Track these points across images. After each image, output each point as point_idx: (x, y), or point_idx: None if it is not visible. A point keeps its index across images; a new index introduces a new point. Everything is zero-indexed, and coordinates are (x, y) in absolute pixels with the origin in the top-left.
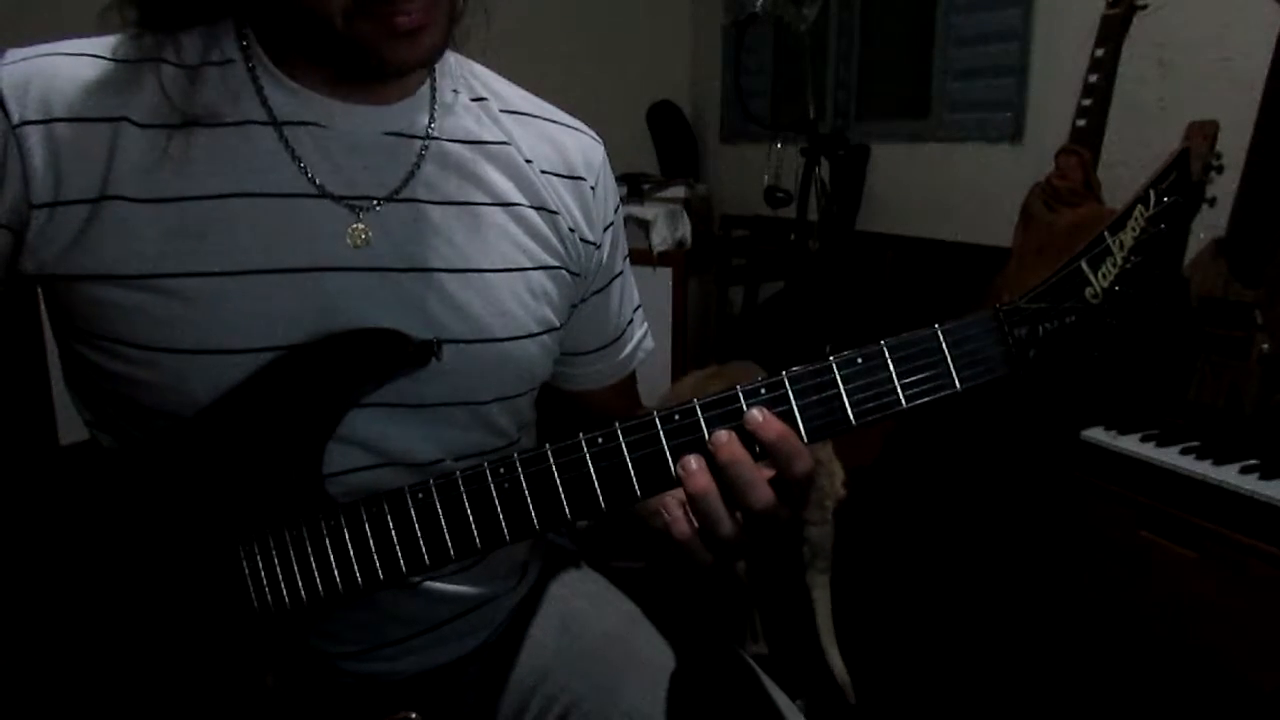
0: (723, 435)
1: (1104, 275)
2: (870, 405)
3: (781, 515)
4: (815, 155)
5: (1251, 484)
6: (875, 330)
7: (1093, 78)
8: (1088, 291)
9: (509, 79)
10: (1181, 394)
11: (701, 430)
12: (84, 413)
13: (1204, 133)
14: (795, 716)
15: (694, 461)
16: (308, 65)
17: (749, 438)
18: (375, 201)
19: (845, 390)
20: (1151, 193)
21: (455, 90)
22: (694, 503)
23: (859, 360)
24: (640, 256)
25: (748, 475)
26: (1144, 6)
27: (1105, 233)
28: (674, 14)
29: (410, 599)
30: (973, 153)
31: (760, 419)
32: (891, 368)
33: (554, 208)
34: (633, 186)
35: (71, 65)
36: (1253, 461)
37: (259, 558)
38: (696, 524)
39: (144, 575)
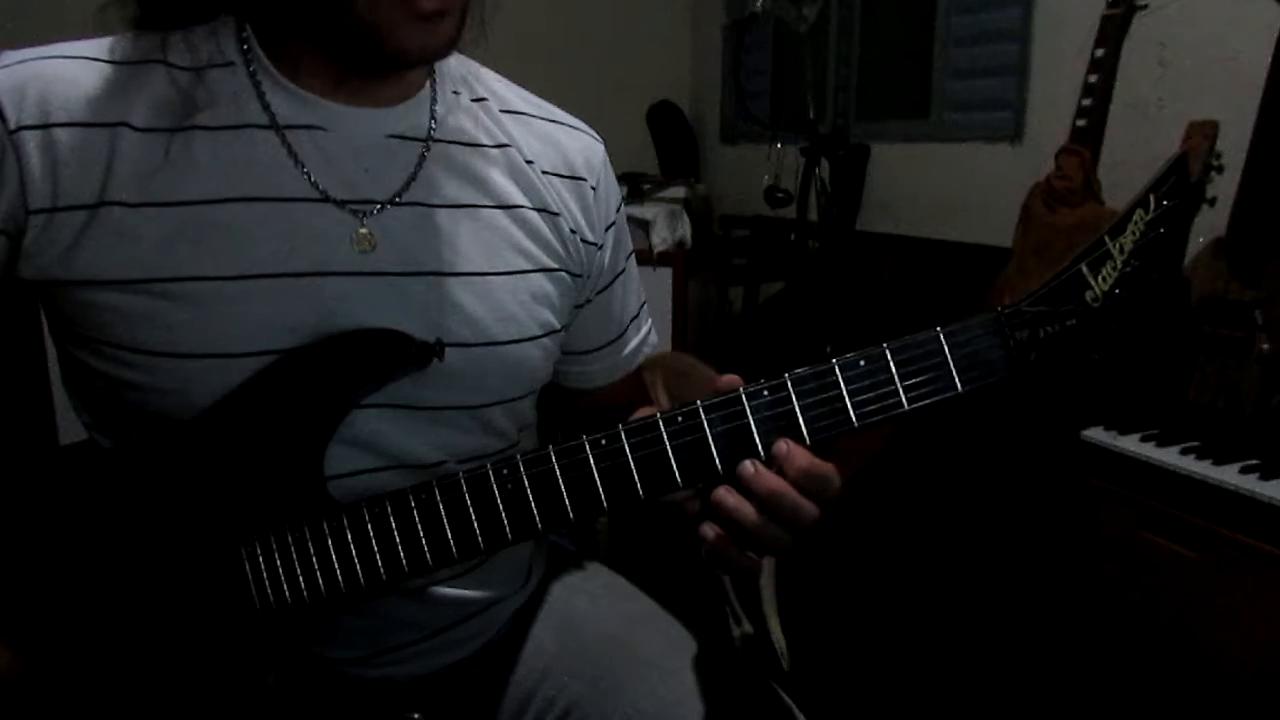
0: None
1: (1104, 279)
2: (873, 406)
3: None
4: (815, 155)
5: (1251, 484)
6: (875, 330)
7: (1093, 78)
8: (1088, 295)
9: (509, 79)
10: (1181, 394)
11: (704, 431)
12: (83, 415)
13: (1204, 133)
14: (795, 717)
15: (751, 466)
16: (308, 66)
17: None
18: (378, 205)
19: (848, 391)
20: (1151, 197)
21: (456, 91)
22: (771, 500)
23: (861, 362)
24: (640, 256)
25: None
26: (1144, 6)
27: (1105, 236)
28: (674, 14)
29: (414, 604)
30: (973, 153)
31: (786, 450)
32: (894, 369)
33: (555, 209)
34: (633, 186)
35: (70, 68)
36: (1253, 461)
37: (260, 558)
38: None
39: (146, 576)
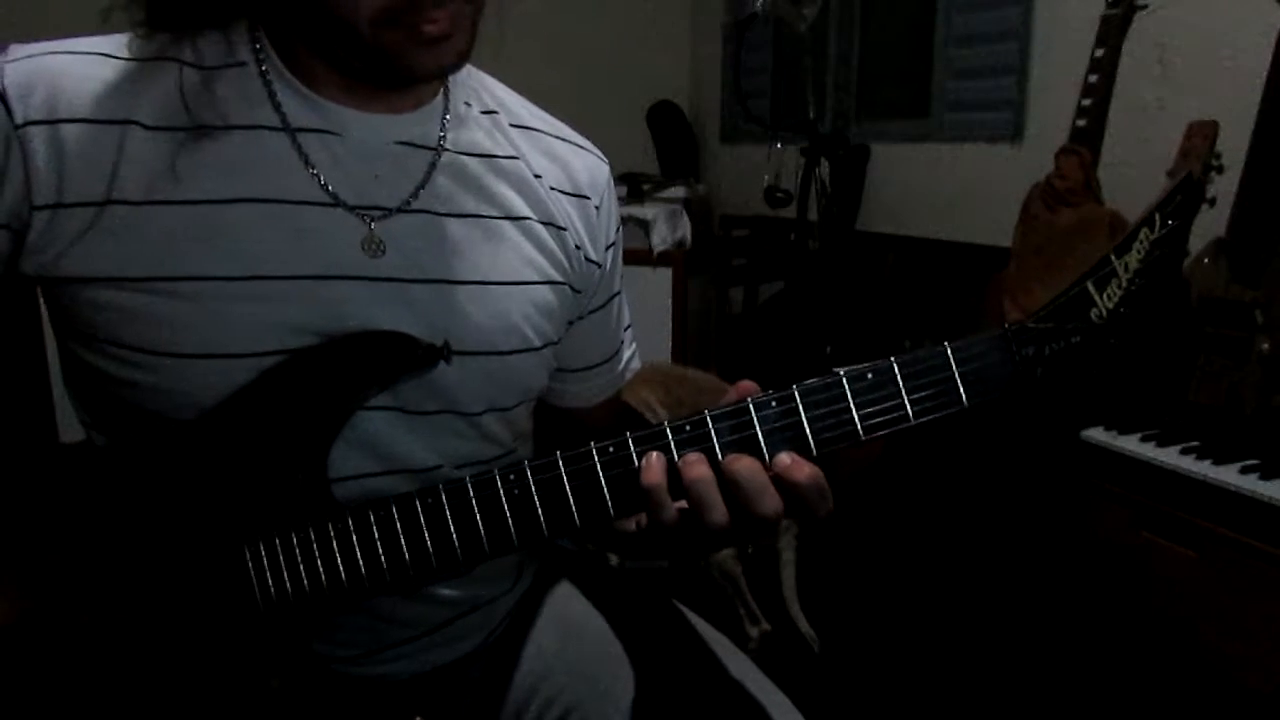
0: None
1: (1109, 297)
2: (879, 420)
3: (783, 523)
4: (815, 155)
5: (1251, 484)
6: (876, 331)
7: (1093, 78)
8: (1093, 312)
9: (510, 80)
10: (1181, 394)
11: (712, 440)
12: (81, 414)
13: (1204, 133)
14: (794, 716)
15: (693, 454)
16: (322, 71)
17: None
18: (387, 211)
19: (855, 404)
20: (1157, 216)
21: (467, 103)
22: (691, 487)
23: (869, 375)
24: (640, 256)
25: (759, 483)
26: (1144, 6)
27: (1111, 255)
28: (674, 14)
29: (407, 602)
30: (973, 153)
31: (789, 461)
32: (900, 384)
33: (562, 224)
34: (633, 186)
35: (80, 64)
36: (1253, 461)
37: (264, 559)
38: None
39: (149, 576)
